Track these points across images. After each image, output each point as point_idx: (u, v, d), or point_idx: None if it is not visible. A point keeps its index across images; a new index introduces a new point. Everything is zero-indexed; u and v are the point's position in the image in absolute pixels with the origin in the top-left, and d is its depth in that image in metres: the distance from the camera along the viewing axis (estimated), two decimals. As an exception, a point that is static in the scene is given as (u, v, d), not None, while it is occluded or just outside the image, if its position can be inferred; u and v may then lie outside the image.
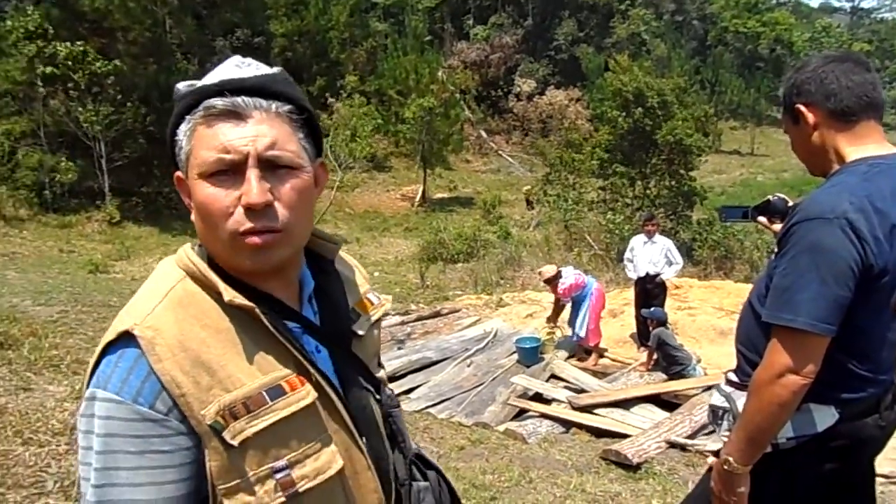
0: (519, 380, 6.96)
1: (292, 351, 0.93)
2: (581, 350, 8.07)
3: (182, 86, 0.93)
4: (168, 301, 0.90)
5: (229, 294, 0.90)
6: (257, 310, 0.91)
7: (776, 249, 1.63)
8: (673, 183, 18.67)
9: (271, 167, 0.89)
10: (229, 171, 0.88)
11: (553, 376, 7.29)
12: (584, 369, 7.56)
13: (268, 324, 0.91)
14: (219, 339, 0.89)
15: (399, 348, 8.44)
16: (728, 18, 49.71)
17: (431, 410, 6.50)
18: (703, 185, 19.67)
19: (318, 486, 0.94)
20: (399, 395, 6.95)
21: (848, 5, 64.18)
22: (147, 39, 20.76)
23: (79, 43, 17.59)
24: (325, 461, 0.94)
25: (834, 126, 1.62)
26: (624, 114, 18.41)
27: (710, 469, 1.77)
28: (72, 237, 16.58)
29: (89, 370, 0.90)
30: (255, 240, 0.88)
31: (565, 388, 6.95)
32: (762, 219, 2.01)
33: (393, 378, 7.36)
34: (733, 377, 1.82)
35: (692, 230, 17.58)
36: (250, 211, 0.87)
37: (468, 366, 7.70)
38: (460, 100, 31.13)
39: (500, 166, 32.86)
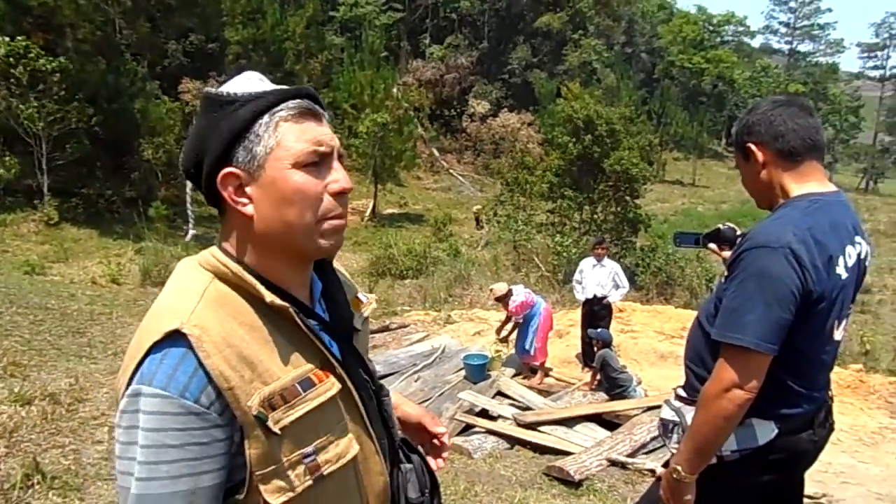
0: (466, 395, 7.02)
1: (318, 346, 1.03)
2: (527, 368, 8.20)
3: (222, 91, 1.01)
4: (205, 301, 0.97)
5: (270, 296, 0.98)
6: (291, 309, 1.00)
7: (726, 273, 1.77)
8: (619, 209, 19.21)
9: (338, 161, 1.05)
10: (318, 162, 1.01)
11: (499, 393, 7.37)
12: (530, 387, 7.68)
13: (300, 322, 1.02)
14: (254, 335, 0.98)
15: (347, 362, 8.39)
16: (675, 53, 51.75)
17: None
18: (647, 213, 20.29)
19: (338, 470, 1.03)
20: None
21: (786, 47, 67.38)
22: (97, 38, 20.19)
23: (20, 38, 16.97)
24: (344, 446, 1.04)
25: (781, 164, 1.78)
26: (574, 140, 18.89)
27: (658, 479, 1.88)
28: (6, 236, 15.89)
29: (130, 370, 0.94)
30: (340, 222, 1.03)
31: (511, 405, 7.03)
32: (713, 245, 2.16)
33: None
34: (682, 392, 1.94)
35: (636, 256, 18.07)
36: (338, 197, 1.02)
37: (416, 381, 7.72)
38: (414, 117, 31.32)
39: (451, 185, 33.15)
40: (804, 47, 66.42)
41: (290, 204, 0.99)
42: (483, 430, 6.38)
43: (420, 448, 1.30)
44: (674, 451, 1.84)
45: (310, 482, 0.99)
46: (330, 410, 1.03)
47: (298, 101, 1.01)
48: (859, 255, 1.79)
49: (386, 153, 25.77)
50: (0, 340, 6.21)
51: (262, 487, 0.96)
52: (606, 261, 8.57)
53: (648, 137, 22.12)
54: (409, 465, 1.23)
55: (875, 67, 64.92)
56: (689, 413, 1.83)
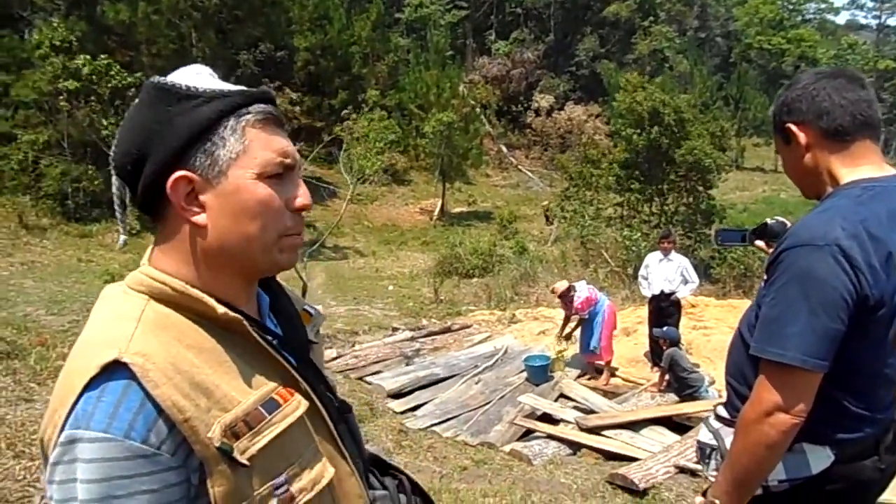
0: (527, 399, 6.84)
1: (280, 362, 0.94)
2: (592, 368, 7.94)
3: (179, 83, 0.89)
4: (144, 325, 0.85)
5: (221, 308, 0.88)
6: (245, 322, 0.90)
7: (766, 276, 1.52)
8: (691, 200, 18.50)
9: None
10: (282, 175, 0.92)
11: (562, 396, 7.16)
12: (595, 389, 7.42)
13: (257, 337, 0.92)
14: (204, 358, 0.86)
15: (407, 364, 8.35)
16: (752, 35, 49.52)
17: (436, 429, 6.40)
18: (723, 203, 19.48)
19: (314, 498, 0.92)
20: (405, 411, 6.90)
21: (874, 22, 63.44)
22: (171, 52, 21.04)
23: (103, 56, 17.87)
24: (318, 471, 0.94)
25: (827, 146, 1.51)
26: (639, 131, 18.29)
27: None
28: (91, 247, 16.75)
29: (61, 416, 0.81)
30: (299, 238, 0.96)
31: (574, 408, 6.82)
32: (760, 243, 1.92)
33: (399, 394, 7.27)
34: (723, 412, 1.72)
35: (710, 248, 17.36)
36: (298, 213, 0.95)
37: (476, 383, 7.59)
38: (481, 114, 31.22)
39: (520, 181, 32.83)
40: (894, 21, 62.38)
41: (253, 217, 0.90)
42: (544, 434, 6.20)
43: (400, 468, 1.18)
44: (712, 478, 1.62)
45: None
46: (299, 433, 0.92)
47: (265, 105, 0.92)
48: None
49: (453, 152, 25.77)
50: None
51: None
52: (674, 254, 8.19)
53: (721, 124, 21.19)
54: (381, 492, 1.12)
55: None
56: (728, 436, 1.59)
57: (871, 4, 62.75)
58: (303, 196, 0.95)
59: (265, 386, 0.90)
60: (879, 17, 62.58)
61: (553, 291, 8.37)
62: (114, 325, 0.86)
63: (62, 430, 0.80)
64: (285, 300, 1.08)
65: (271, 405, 0.89)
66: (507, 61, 36.54)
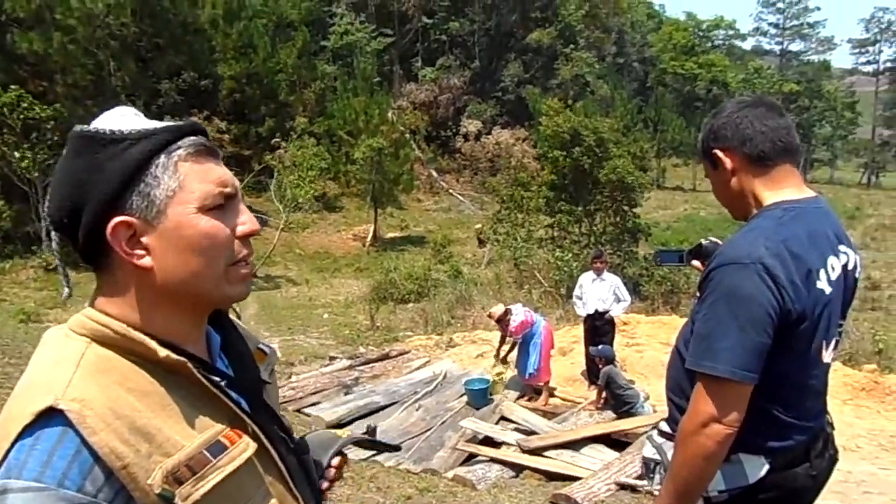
0: (468, 423, 6.85)
1: (227, 403, 0.91)
2: (531, 390, 8.01)
3: (102, 128, 0.88)
4: (83, 369, 0.83)
5: (163, 351, 0.85)
6: (189, 364, 0.87)
7: (698, 294, 1.60)
8: (618, 219, 19.07)
9: None
10: (223, 205, 0.91)
11: (503, 418, 7.19)
12: (535, 409, 7.49)
13: (201, 378, 0.89)
14: (147, 402, 0.84)
15: (346, 394, 8.22)
16: (667, 60, 51.87)
17: (378, 458, 6.30)
18: (647, 222, 20.12)
19: None
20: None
21: (777, 48, 67.39)
22: (88, 82, 20.34)
23: (13, 88, 17.07)
24: None
25: (751, 171, 1.62)
26: (564, 153, 18.81)
27: None
28: (4, 284, 15.86)
29: None
30: (247, 270, 0.95)
31: (515, 430, 6.86)
32: (696, 262, 2.00)
33: (340, 425, 7.14)
34: (665, 427, 1.77)
35: (639, 265, 17.90)
36: (245, 240, 0.93)
37: (417, 409, 7.55)
38: (410, 140, 31.36)
39: (451, 205, 33.07)
40: (795, 46, 66.47)
41: (199, 252, 0.89)
42: (486, 458, 6.20)
43: None
44: (657, 492, 1.67)
45: None
46: (248, 475, 0.90)
47: (194, 138, 0.91)
48: (845, 265, 1.61)
49: (384, 177, 25.74)
50: (-12, 394, 6.07)
51: None
52: (606, 274, 8.40)
53: (641, 145, 22.01)
54: None
55: (867, 62, 64.90)
56: (670, 450, 1.65)
57: (773, 31, 66.73)
58: (248, 222, 0.94)
59: (211, 429, 0.88)
60: (782, 44, 66.61)
61: (490, 316, 8.45)
62: (52, 369, 0.83)
63: None
64: (237, 338, 1.06)
65: (217, 448, 0.87)
66: (435, 87, 36.93)
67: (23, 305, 13.44)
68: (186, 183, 0.88)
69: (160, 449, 0.82)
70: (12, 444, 0.78)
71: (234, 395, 0.95)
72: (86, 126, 0.89)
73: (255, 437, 0.93)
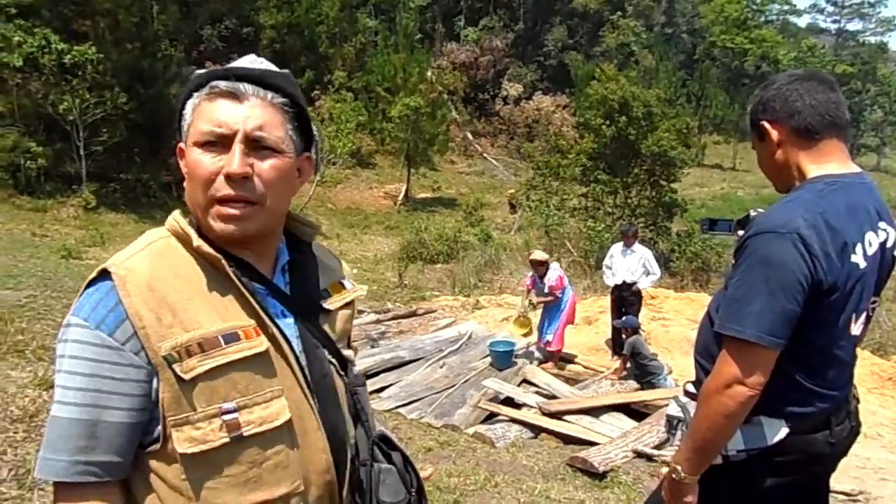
0: (490, 383, 6.95)
1: (253, 304, 1.03)
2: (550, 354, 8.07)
3: (200, 71, 1.07)
4: (147, 251, 1.03)
5: (197, 240, 1.02)
6: (223, 261, 1.02)
7: (733, 261, 1.64)
8: (654, 193, 18.82)
9: (258, 147, 1.03)
10: (219, 144, 1.01)
11: (525, 381, 7.29)
12: (557, 375, 7.57)
13: (232, 276, 1.03)
14: (188, 286, 1.01)
15: (373, 346, 8.40)
16: (717, 34, 50.22)
17: (401, 410, 6.46)
18: (684, 198, 19.85)
19: (264, 434, 1.01)
20: (370, 393, 6.93)
21: (833, 27, 64.97)
22: (131, 25, 20.44)
23: (37, 29, 16.82)
24: (273, 412, 1.02)
25: (797, 143, 1.64)
26: (608, 122, 18.52)
27: (664, 479, 1.77)
28: (45, 221, 16.26)
29: (73, 305, 1.02)
30: (230, 210, 1.01)
31: (536, 393, 6.95)
32: (741, 232, 2.02)
33: (365, 376, 7.28)
34: (691, 388, 1.83)
35: (671, 241, 17.72)
36: (230, 180, 1.00)
37: (441, 367, 7.68)
38: (447, 101, 31.13)
39: (485, 169, 32.91)
40: (853, 26, 63.95)
41: (190, 179, 1.04)
42: (507, 418, 6.30)
43: (403, 448, 1.23)
44: (677, 447, 1.73)
45: (226, 439, 0.98)
46: (258, 370, 1.02)
47: (220, 81, 1.03)
48: (883, 243, 1.63)
49: (419, 137, 25.69)
50: (32, 324, 6.32)
51: (174, 435, 0.97)
52: (637, 246, 8.37)
53: (686, 120, 21.56)
54: (385, 465, 1.17)
55: (929, 46, 62.27)
56: (694, 409, 1.71)
57: (831, 9, 64.24)
58: (231, 164, 1.00)
59: (235, 321, 1.01)
60: (839, 22, 64.15)
61: (532, 259, 8.37)
62: (128, 249, 1.05)
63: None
64: (309, 265, 1.18)
65: (231, 337, 1.00)
66: (476, 48, 36.44)
67: (64, 242, 13.81)
68: (195, 120, 1.04)
69: (181, 324, 0.98)
70: (83, 292, 1.01)
71: (278, 306, 1.08)
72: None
73: (273, 341, 1.04)
